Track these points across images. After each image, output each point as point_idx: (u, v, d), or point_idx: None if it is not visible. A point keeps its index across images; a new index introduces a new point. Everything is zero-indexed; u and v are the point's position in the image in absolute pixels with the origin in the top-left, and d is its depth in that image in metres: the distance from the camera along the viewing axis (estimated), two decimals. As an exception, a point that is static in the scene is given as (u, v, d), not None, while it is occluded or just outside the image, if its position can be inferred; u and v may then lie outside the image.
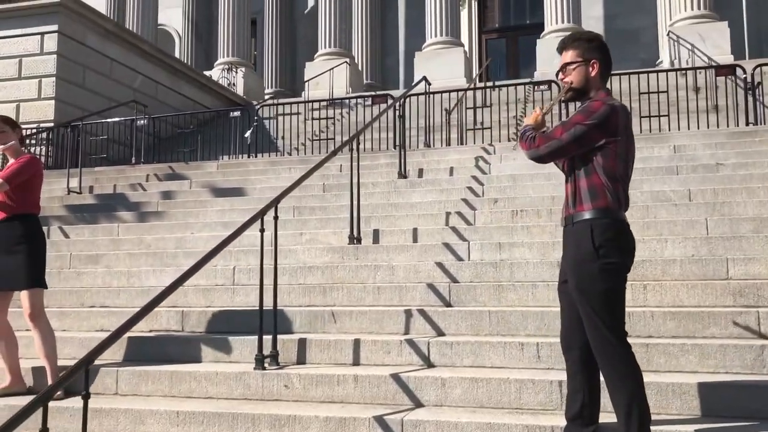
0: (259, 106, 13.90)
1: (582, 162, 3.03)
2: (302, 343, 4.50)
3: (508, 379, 3.77)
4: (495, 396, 3.77)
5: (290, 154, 12.74)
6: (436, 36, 19.63)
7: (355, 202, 6.22)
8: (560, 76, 3.23)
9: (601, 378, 3.09)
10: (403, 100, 8.22)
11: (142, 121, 11.60)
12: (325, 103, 14.55)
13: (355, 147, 6.42)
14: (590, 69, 3.13)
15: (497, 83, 13.08)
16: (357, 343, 4.39)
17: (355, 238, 6.17)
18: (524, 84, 11.36)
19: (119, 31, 15.06)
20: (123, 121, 12.91)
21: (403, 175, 8.01)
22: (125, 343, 4.84)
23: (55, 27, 13.27)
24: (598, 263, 2.93)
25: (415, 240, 6.19)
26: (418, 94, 10.59)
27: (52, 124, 12.75)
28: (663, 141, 8.29)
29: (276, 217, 4.64)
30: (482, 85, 13.59)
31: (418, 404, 3.85)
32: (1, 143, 4.50)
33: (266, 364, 4.27)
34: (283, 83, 24.50)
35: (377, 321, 4.76)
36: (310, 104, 14.40)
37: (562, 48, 3.23)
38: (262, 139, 12.76)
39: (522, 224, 6.09)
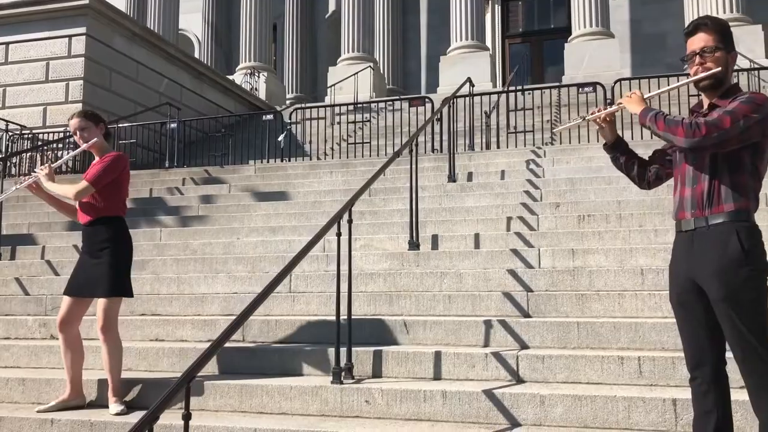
0: (292, 110, 13.62)
1: (728, 159, 2.72)
2: (378, 355, 4.22)
3: (616, 396, 3.48)
4: (601, 415, 3.47)
5: (320, 159, 12.49)
6: (461, 40, 19.41)
7: (414, 207, 5.95)
8: (697, 60, 2.87)
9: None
10: (451, 102, 7.93)
11: (173, 125, 11.36)
12: (350, 108, 14.31)
13: (413, 149, 6.14)
14: (730, 59, 2.85)
15: (539, 86, 12.81)
16: (438, 355, 4.10)
17: (414, 244, 5.89)
18: (567, 87, 11.07)
19: (145, 34, 14.89)
20: (151, 125, 12.70)
21: (452, 178, 7.73)
22: (186, 354, 4.57)
23: (83, 29, 13.10)
24: (746, 270, 2.63)
25: (477, 246, 5.91)
26: (456, 97, 10.30)
27: (79, 128, 12.54)
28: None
29: (350, 221, 4.36)
30: (513, 88, 13.30)
31: (515, 423, 3.56)
32: (84, 141, 4.23)
33: (342, 378, 3.99)
34: (304, 88, 24.31)
35: (454, 332, 4.47)
36: (336, 108, 14.15)
37: (693, 30, 2.88)
38: (290, 143, 12.53)
39: (591, 230, 5.80)
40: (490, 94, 11.20)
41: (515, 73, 14.71)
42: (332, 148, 12.94)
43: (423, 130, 6.53)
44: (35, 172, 4.35)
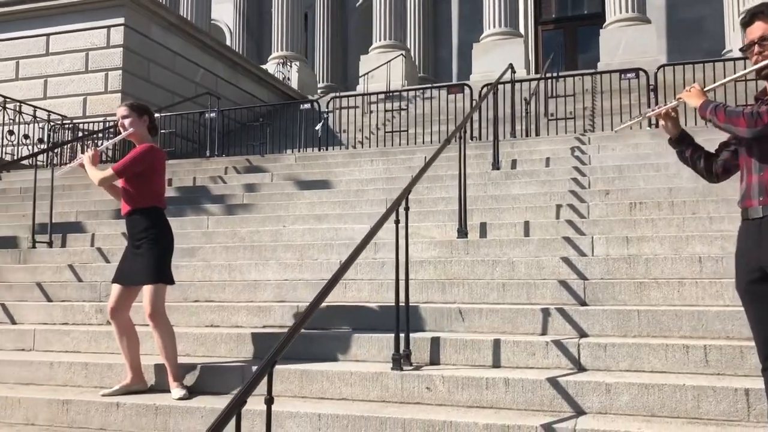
0: (329, 99, 13.63)
1: None
2: (435, 342, 4.22)
3: (684, 385, 3.43)
4: (669, 404, 3.43)
5: (355, 147, 12.50)
6: (494, 27, 19.23)
7: (462, 194, 5.92)
8: (756, 49, 2.84)
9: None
10: (495, 88, 7.86)
11: (211, 114, 11.45)
12: (382, 96, 14.28)
13: (461, 136, 6.09)
14: None
15: (579, 72, 12.66)
16: (497, 343, 4.09)
17: (463, 232, 5.87)
18: (608, 73, 10.90)
19: (181, 24, 15.00)
20: (188, 115, 12.81)
21: (496, 166, 7.68)
22: (243, 339, 4.62)
23: (121, 20, 13.25)
24: None
25: (527, 234, 5.87)
26: (492, 84, 10.22)
27: (118, 118, 12.68)
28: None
29: (407, 209, 4.35)
30: (551, 75, 13.14)
31: (580, 411, 3.54)
32: (124, 130, 4.31)
33: (402, 364, 4.00)
34: (335, 77, 24.32)
35: (510, 320, 4.45)
36: (369, 97, 14.13)
37: (750, 20, 2.86)
38: (326, 132, 12.55)
39: (644, 217, 5.72)
40: (530, 80, 11.09)
41: (551, 60, 14.52)
42: (367, 137, 12.94)
43: (470, 117, 6.48)
44: (82, 154, 4.44)
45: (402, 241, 4.29)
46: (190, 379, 4.25)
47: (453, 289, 5.01)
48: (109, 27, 13.26)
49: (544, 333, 4.35)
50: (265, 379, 2.62)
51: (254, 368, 4.10)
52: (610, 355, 3.89)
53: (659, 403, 3.44)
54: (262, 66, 19.90)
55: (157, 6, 14.25)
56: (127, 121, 4.30)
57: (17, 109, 11.95)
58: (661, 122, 3.13)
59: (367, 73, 18.40)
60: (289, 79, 20.36)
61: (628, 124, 3.44)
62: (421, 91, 14.17)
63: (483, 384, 3.73)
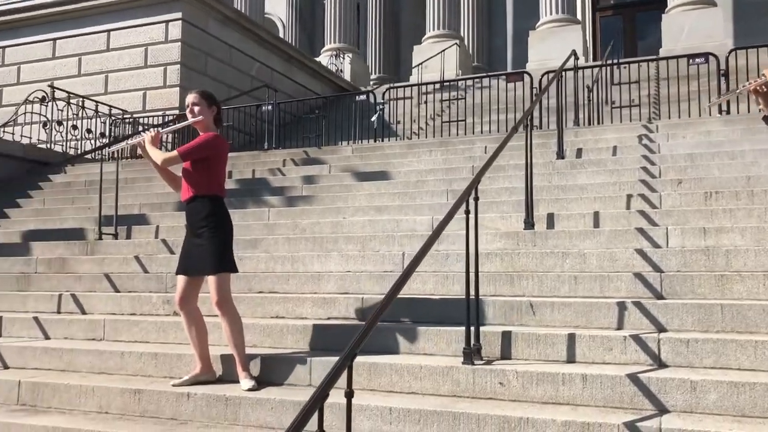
0: (385, 89, 13.54)
1: None
2: (506, 336, 4.10)
3: (778, 384, 3.23)
4: (761, 404, 3.24)
5: (409, 138, 12.38)
6: (550, 14, 18.80)
7: (529, 184, 5.75)
8: None
9: None
10: (559, 76, 7.63)
11: (268, 107, 11.50)
12: (437, 86, 14.11)
13: (527, 124, 5.92)
14: None
15: (645, 58, 12.27)
16: (572, 338, 3.94)
17: (529, 223, 5.72)
18: (675, 58, 10.49)
19: (237, 17, 15.12)
20: (243, 109, 12.90)
21: (561, 155, 7.47)
22: (309, 331, 4.59)
23: (179, 14, 13.43)
24: None
25: (596, 225, 5.67)
26: (555, 71, 9.96)
27: (177, 112, 12.89)
28: None
29: (477, 199, 4.22)
30: (611, 62, 12.74)
31: (663, 410, 3.38)
32: (193, 116, 4.31)
33: (473, 359, 3.90)
34: (387, 69, 24.21)
35: (584, 314, 4.29)
36: (422, 87, 13.98)
37: None
38: (380, 123, 12.46)
39: (721, 207, 5.46)
40: (591, 68, 10.78)
41: (612, 46, 14.09)
42: (422, 128, 12.81)
43: (536, 104, 6.30)
44: (143, 134, 4.45)
45: (471, 232, 4.16)
46: (257, 369, 4.24)
47: (522, 282, 4.87)
48: (167, 22, 13.46)
49: (620, 327, 4.18)
50: (344, 372, 2.57)
51: (316, 360, 4.08)
52: (692, 351, 3.71)
53: (751, 403, 3.26)
54: (315, 58, 19.95)
55: (213, 0, 14.40)
56: (196, 108, 4.31)
57: (80, 104, 12.24)
58: (752, 96, 3.11)
59: (421, 64, 18.24)
60: (341, 71, 20.36)
61: (720, 100, 3.41)
62: (478, 80, 13.98)
63: (559, 379, 3.60)
